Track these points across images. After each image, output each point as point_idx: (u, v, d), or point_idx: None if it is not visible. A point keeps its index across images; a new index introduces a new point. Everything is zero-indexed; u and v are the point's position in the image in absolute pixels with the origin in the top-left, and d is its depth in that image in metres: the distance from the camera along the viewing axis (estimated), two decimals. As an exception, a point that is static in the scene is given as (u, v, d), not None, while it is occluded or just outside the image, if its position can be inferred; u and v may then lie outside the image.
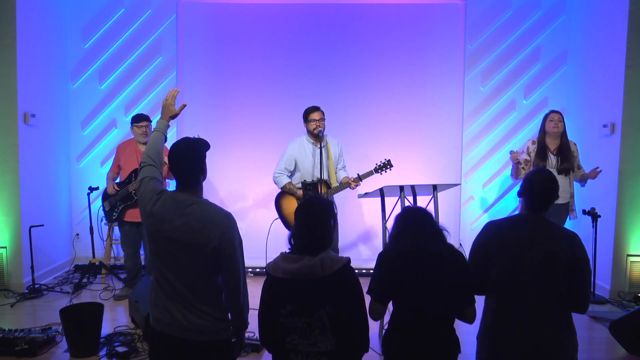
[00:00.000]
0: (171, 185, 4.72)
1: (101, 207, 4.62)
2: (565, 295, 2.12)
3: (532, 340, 2.08)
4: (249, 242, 5.19)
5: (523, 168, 4.29)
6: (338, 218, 4.14)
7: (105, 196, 4.56)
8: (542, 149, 4.25)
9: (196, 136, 2.24)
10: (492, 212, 5.52)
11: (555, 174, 4.18)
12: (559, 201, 4.23)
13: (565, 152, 4.26)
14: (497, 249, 2.17)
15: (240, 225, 5.81)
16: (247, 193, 5.46)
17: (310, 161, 4.19)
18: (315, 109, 4.16)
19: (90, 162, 5.59)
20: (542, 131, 4.32)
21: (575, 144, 4.40)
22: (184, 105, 2.42)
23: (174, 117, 2.36)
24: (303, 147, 4.23)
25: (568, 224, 4.38)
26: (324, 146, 4.12)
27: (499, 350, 2.14)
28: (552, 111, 4.35)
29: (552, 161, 4.26)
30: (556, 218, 4.25)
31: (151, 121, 4.54)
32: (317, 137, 4.08)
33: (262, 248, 5.29)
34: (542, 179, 2.22)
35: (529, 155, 4.30)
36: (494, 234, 2.22)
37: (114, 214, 4.46)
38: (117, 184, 4.51)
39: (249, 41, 5.36)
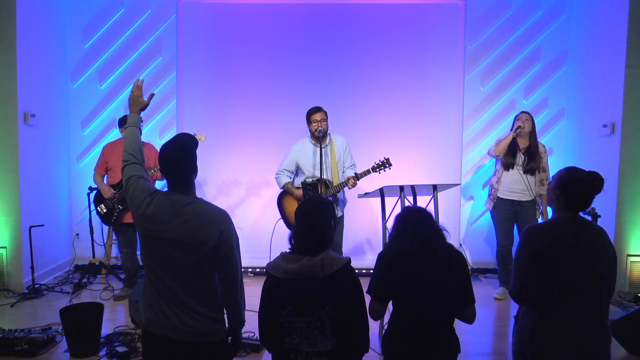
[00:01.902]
0: (159, 186, 4.73)
1: (94, 211, 4.55)
2: (609, 287, 2.11)
3: (592, 340, 2.05)
4: (252, 242, 5.26)
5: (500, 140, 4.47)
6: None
7: (100, 199, 4.49)
8: (512, 147, 4.41)
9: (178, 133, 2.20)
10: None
11: (521, 172, 4.33)
12: (525, 198, 4.43)
13: (532, 152, 4.42)
14: (552, 253, 2.06)
15: (242, 225, 5.80)
16: (249, 193, 5.45)
17: (310, 162, 4.19)
18: (317, 109, 4.13)
19: (90, 162, 5.56)
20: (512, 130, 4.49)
21: (544, 146, 4.58)
22: (152, 95, 2.33)
23: (143, 108, 2.27)
24: (304, 148, 4.22)
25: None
26: (324, 146, 4.11)
27: (556, 355, 2.07)
28: (522, 112, 4.57)
29: (520, 160, 4.42)
30: (526, 214, 4.42)
31: (142, 121, 4.54)
32: (318, 138, 4.08)
33: (264, 248, 5.29)
34: (581, 178, 2.12)
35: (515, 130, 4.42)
36: (543, 239, 2.10)
37: (114, 216, 4.43)
38: (112, 186, 4.45)
39: (249, 41, 5.36)
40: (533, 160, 4.38)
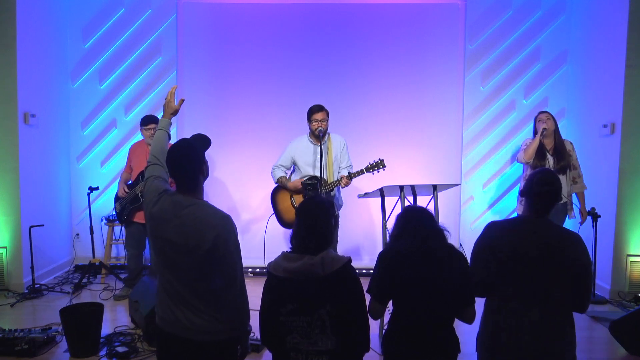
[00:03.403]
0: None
1: (113, 209, 4.67)
2: (568, 295, 2.11)
3: (535, 341, 2.07)
4: (251, 242, 5.26)
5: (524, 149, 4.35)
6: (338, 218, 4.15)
7: (117, 197, 4.59)
8: (540, 150, 4.30)
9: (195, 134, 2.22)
10: (492, 212, 5.52)
11: None
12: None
13: (560, 150, 4.33)
14: (503, 250, 2.14)
15: (242, 225, 5.75)
16: (248, 193, 5.45)
17: (309, 159, 4.18)
18: (319, 108, 4.12)
19: (90, 162, 5.59)
20: (535, 133, 4.40)
21: (571, 143, 4.47)
22: (182, 100, 2.43)
23: (174, 113, 2.38)
24: (303, 145, 4.22)
25: (567, 224, 4.39)
26: (324, 144, 4.11)
27: (501, 351, 2.13)
28: (540, 112, 4.47)
29: (549, 161, 4.32)
30: (555, 217, 4.27)
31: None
32: (317, 137, 4.07)
33: (262, 247, 5.28)
34: (544, 180, 2.18)
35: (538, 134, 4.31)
36: (499, 235, 2.19)
37: (124, 215, 4.48)
38: (127, 185, 4.53)
39: (249, 41, 5.36)
40: (562, 159, 4.27)
